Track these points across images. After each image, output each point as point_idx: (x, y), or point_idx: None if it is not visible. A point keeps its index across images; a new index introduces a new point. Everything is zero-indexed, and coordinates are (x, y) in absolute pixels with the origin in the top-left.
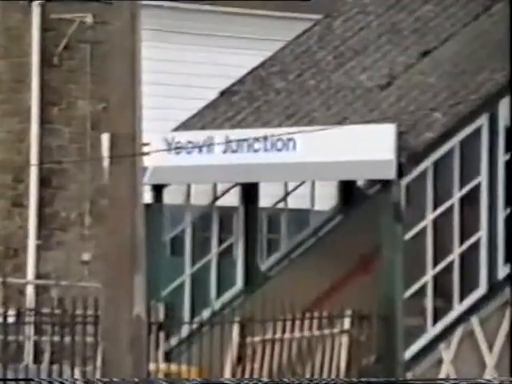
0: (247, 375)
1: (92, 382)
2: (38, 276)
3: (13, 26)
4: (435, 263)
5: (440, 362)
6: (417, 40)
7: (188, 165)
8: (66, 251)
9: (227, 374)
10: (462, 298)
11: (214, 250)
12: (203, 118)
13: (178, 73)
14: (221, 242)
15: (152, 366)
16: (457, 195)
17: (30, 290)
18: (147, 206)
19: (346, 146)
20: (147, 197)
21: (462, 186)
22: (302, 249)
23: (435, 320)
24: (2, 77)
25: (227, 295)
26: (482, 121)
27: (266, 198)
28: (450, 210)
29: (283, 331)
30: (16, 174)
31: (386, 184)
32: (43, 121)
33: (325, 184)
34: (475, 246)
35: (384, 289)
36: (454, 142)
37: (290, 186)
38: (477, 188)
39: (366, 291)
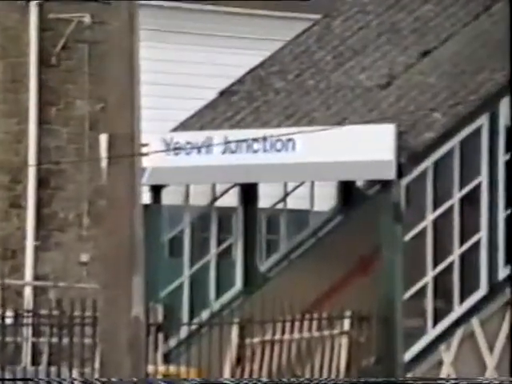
0: (246, 376)
1: (90, 382)
2: (36, 277)
3: (10, 25)
4: (435, 264)
5: (440, 363)
6: (416, 40)
7: (187, 165)
8: (64, 252)
9: (226, 375)
10: (462, 299)
11: (213, 250)
12: (202, 118)
13: (176, 73)
14: (220, 242)
15: (151, 368)
16: (457, 195)
17: (27, 292)
18: (146, 206)
19: (346, 146)
20: (146, 197)
21: (462, 186)
22: (302, 249)
23: (435, 321)
24: None
25: (226, 296)
26: (482, 121)
27: (266, 199)
28: (450, 210)
29: (282, 332)
30: (14, 174)
31: (385, 184)
32: (41, 121)
33: (324, 184)
34: (475, 247)
35: (384, 290)
36: (454, 142)
37: (290, 187)
38: (477, 188)
39: (365, 292)
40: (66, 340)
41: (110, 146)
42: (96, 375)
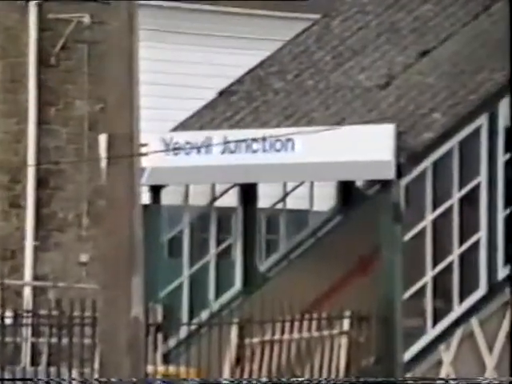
0: (246, 377)
1: (90, 383)
2: (35, 277)
3: (10, 25)
4: (435, 264)
5: (440, 363)
6: (416, 40)
7: (186, 165)
8: (63, 252)
9: (226, 375)
10: (461, 298)
11: (213, 250)
12: (201, 119)
13: (175, 73)
14: (219, 242)
15: (150, 368)
16: (456, 196)
17: (27, 292)
18: (145, 206)
19: (345, 146)
20: (145, 197)
21: (461, 186)
22: (301, 249)
23: (435, 321)
24: None
25: (226, 296)
26: (482, 121)
27: (265, 199)
28: (449, 210)
29: (282, 332)
30: (13, 174)
31: (385, 184)
32: (40, 121)
33: (324, 184)
34: (475, 247)
35: (383, 290)
36: (454, 142)
37: (289, 187)
38: (476, 188)
39: (365, 292)
40: (65, 340)
41: (109, 146)
42: (95, 375)
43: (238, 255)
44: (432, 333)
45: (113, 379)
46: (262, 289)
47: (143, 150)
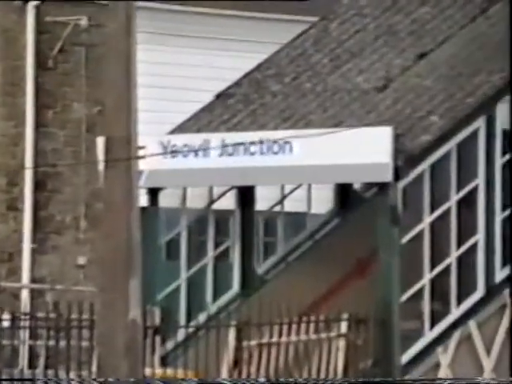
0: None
1: (88, 382)
2: (32, 280)
3: (7, 28)
4: (432, 266)
5: (437, 365)
6: (413, 42)
7: (184, 168)
8: (61, 255)
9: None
10: (459, 301)
11: (210, 253)
12: (199, 121)
13: (173, 75)
14: (217, 245)
15: (148, 371)
16: (454, 198)
17: (24, 294)
18: (143, 209)
19: (343, 148)
20: (143, 200)
21: (459, 188)
22: (299, 252)
23: (432, 324)
24: None
25: (223, 299)
26: (479, 123)
27: (263, 201)
28: (447, 213)
29: (280, 335)
30: (11, 177)
31: (382, 187)
32: (38, 124)
33: (321, 187)
34: (472, 249)
35: (381, 292)
36: (451, 144)
37: (287, 189)
38: (474, 191)
39: (362, 295)
40: (63, 343)
41: (106, 149)
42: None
43: (235, 258)
44: (430, 335)
45: (110, 379)
46: (260, 291)
47: (141, 152)
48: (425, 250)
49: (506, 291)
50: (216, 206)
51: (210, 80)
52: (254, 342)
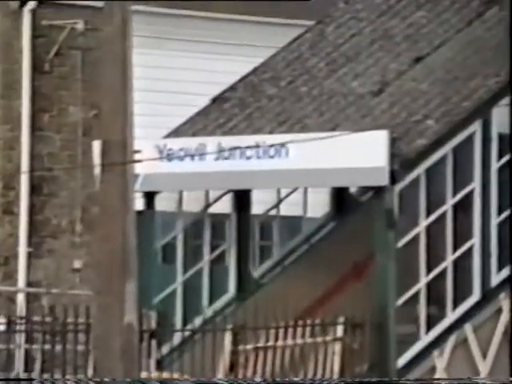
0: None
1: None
2: (28, 284)
3: (3, 32)
4: (428, 270)
5: (433, 369)
6: (409, 46)
7: (180, 172)
8: (57, 259)
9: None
10: (455, 305)
11: (206, 257)
12: (195, 125)
13: (169, 79)
14: (213, 249)
15: (144, 374)
16: (450, 202)
17: (20, 298)
18: (139, 213)
19: (339, 152)
20: (139, 204)
21: (455, 192)
22: (295, 256)
23: (428, 327)
24: None
25: (219, 302)
26: (475, 127)
27: (259, 205)
28: (443, 216)
29: (276, 339)
30: (7, 181)
31: (378, 191)
32: (34, 128)
33: (317, 191)
34: (468, 253)
35: (377, 296)
36: (447, 148)
37: (283, 193)
38: (470, 195)
39: (358, 298)
40: (59, 347)
41: (103, 153)
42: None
43: (231, 261)
44: (425, 339)
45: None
46: (256, 295)
47: (137, 156)
48: (421, 253)
49: (502, 295)
50: (212, 209)
51: (206, 84)
52: (250, 346)
